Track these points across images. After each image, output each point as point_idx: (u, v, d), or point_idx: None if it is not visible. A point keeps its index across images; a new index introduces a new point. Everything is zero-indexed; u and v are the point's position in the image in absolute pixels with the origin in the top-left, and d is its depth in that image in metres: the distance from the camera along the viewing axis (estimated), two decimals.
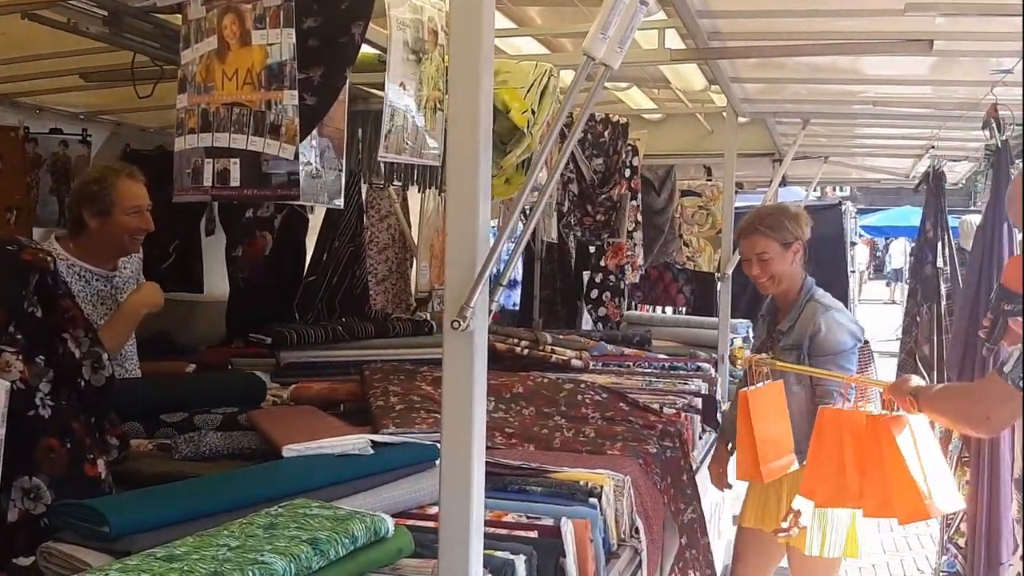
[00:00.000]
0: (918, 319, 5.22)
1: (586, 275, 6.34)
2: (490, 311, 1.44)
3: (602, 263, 5.56)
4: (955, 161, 6.54)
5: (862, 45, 3.17)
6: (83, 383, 2.02)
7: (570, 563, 1.95)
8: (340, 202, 2.08)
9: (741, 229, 3.36)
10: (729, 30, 3.21)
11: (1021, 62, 3.16)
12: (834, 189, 17.01)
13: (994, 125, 3.71)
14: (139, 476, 2.12)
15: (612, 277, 5.55)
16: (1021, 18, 2.77)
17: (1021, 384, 2.02)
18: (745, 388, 3.08)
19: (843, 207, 9.08)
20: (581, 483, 2.26)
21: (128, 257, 3.15)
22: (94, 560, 1.52)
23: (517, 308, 7.31)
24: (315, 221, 4.86)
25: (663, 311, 7.86)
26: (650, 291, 7.23)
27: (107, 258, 3.04)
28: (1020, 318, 2.39)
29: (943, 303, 5.06)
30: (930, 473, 2.53)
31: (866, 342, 6.38)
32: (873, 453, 2.54)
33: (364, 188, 5.08)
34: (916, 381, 2.57)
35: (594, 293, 5.74)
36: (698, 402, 3.71)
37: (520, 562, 1.75)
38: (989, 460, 3.58)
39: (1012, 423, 2.22)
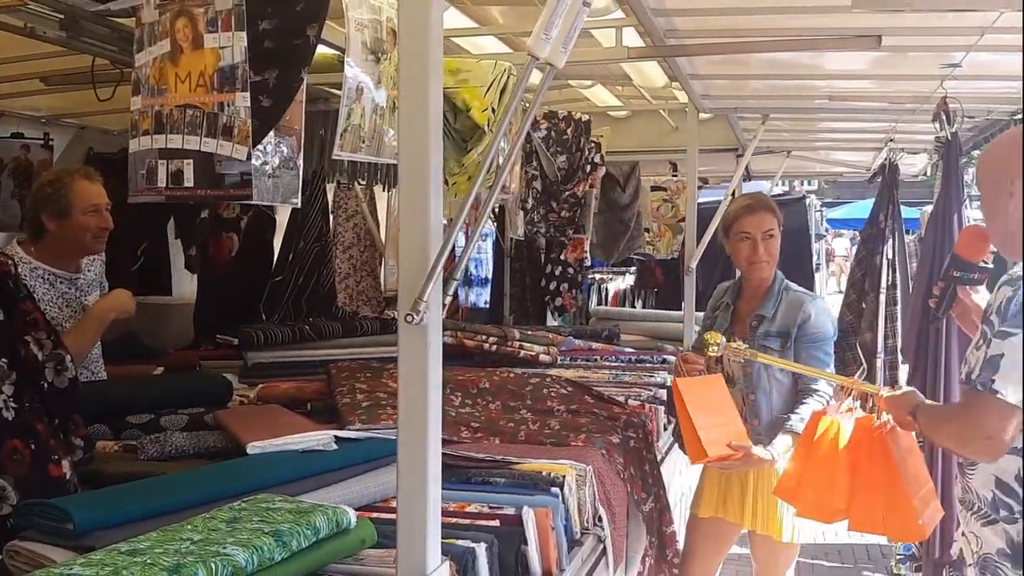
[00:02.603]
0: (863, 306, 5.33)
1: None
2: (444, 305, 1.48)
3: (562, 256, 5.63)
4: (914, 153, 6.68)
5: (812, 41, 3.25)
6: (46, 385, 2.04)
7: (532, 551, 1.99)
8: (297, 201, 2.11)
9: (747, 207, 3.28)
10: (685, 28, 3.27)
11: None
12: (801, 183, 17.25)
13: (944, 118, 3.81)
14: (104, 476, 2.13)
15: (571, 270, 5.62)
16: (968, 13, 2.87)
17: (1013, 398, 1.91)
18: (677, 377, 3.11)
19: (807, 200, 9.19)
20: (543, 473, 2.31)
21: (91, 259, 3.14)
22: (59, 557, 1.54)
23: (487, 306, 7.36)
24: (281, 221, 4.88)
25: (632, 305, 7.97)
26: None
27: (69, 260, 3.03)
28: (968, 288, 2.35)
29: (887, 294, 5.18)
30: (920, 487, 2.42)
31: None
32: (864, 465, 2.40)
33: (332, 188, 5.11)
34: (916, 397, 2.39)
35: (552, 285, 5.82)
36: (663, 393, 3.76)
37: (481, 550, 1.79)
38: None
39: (1014, 442, 1.96)
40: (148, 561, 1.41)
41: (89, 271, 3.13)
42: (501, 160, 2.27)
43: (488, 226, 7.09)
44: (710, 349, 2.92)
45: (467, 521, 1.99)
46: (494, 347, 4.14)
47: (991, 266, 2.36)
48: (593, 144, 4.78)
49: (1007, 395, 1.92)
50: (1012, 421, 1.93)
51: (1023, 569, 2.00)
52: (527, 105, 1.69)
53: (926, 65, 3.87)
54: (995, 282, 2.07)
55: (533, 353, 4.17)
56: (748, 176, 7.98)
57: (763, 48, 3.31)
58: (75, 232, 2.94)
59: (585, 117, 4.65)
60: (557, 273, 5.74)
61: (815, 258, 10.14)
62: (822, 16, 3.08)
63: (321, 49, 2.99)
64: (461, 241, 7.49)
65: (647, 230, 6.87)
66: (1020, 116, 4.55)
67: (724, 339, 2.96)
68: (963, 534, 2.21)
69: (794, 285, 3.26)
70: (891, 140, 6.06)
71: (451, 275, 1.49)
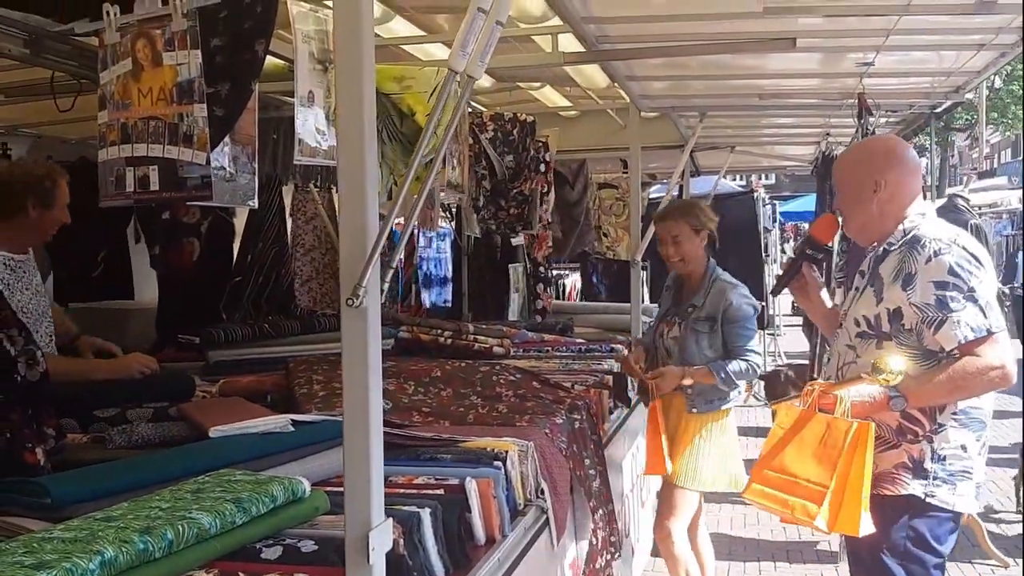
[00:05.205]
0: None
1: (514, 268, 6.61)
2: (382, 291, 1.66)
3: (535, 255, 5.85)
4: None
5: (733, 45, 3.49)
6: (19, 378, 2.18)
7: (475, 517, 2.18)
8: (254, 203, 2.29)
9: (659, 215, 3.88)
10: (616, 33, 3.49)
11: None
12: (759, 177, 17.62)
13: (864, 111, 4.09)
14: (75, 464, 2.26)
15: (541, 268, 5.82)
16: (872, 17, 3.11)
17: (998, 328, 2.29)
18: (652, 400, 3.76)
19: (756, 194, 9.49)
20: (487, 449, 2.49)
21: None
22: (38, 527, 1.69)
23: (448, 305, 7.54)
24: (239, 225, 5.02)
25: (584, 300, 8.19)
26: None
27: (25, 244, 3.23)
28: (814, 266, 2.75)
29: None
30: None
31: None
32: (846, 462, 2.33)
33: (290, 191, 5.25)
34: (877, 390, 2.39)
35: (539, 287, 6.06)
36: (609, 379, 3.98)
37: (426, 515, 1.96)
38: None
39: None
40: (121, 525, 1.57)
41: (31, 254, 3.32)
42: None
43: (445, 226, 7.28)
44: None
45: (414, 491, 2.16)
46: (449, 340, 4.32)
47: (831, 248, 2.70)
48: (540, 143, 4.99)
49: (998, 327, 2.30)
50: (1010, 348, 2.34)
51: (924, 476, 2.40)
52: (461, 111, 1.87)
53: (848, 65, 4.15)
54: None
55: (487, 345, 4.35)
56: (696, 171, 8.25)
57: (688, 52, 3.55)
58: (49, 223, 3.16)
59: (530, 118, 4.86)
60: (530, 272, 6.06)
61: (766, 249, 10.48)
62: (742, 21, 3.31)
63: (272, 60, 3.16)
64: (422, 242, 7.65)
65: (605, 235, 7.09)
66: (939, 110, 4.85)
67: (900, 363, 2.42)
68: None
69: (723, 275, 3.73)
70: (828, 134, 6.35)
71: (388, 262, 1.68)
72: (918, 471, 2.41)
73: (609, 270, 7.86)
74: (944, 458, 2.41)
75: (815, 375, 6.32)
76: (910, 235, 2.45)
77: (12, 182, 3.16)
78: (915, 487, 2.40)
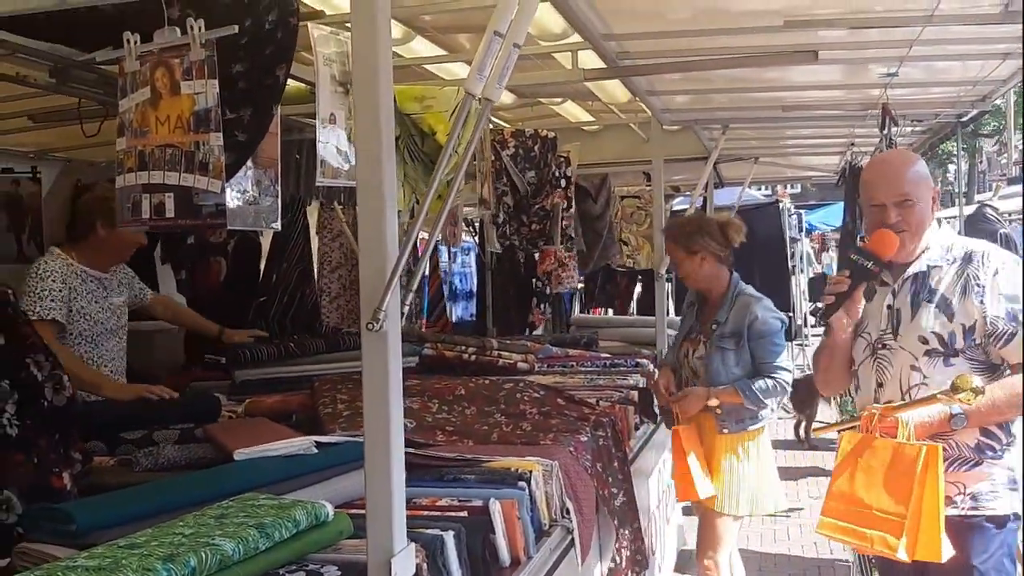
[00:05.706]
0: None
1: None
2: (402, 313, 1.65)
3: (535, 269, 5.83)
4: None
5: (754, 59, 3.47)
6: (46, 403, 2.20)
7: (500, 539, 2.16)
8: (277, 225, 2.30)
9: (663, 237, 3.95)
10: (635, 50, 3.48)
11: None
12: (785, 187, 17.50)
13: (888, 121, 4.05)
14: (103, 488, 2.28)
15: (539, 283, 5.77)
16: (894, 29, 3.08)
17: None
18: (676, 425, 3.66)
19: (780, 205, 9.41)
20: (511, 469, 2.47)
21: (119, 267, 3.59)
22: (64, 555, 1.70)
23: (473, 319, 7.56)
24: (264, 245, 5.06)
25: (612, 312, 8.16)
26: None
27: (104, 262, 3.45)
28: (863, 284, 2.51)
29: None
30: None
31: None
32: (912, 485, 2.29)
33: (315, 210, 5.29)
34: (936, 410, 2.37)
35: (532, 302, 6.02)
36: (634, 394, 3.95)
37: (449, 538, 1.95)
38: None
39: None
40: (145, 553, 1.58)
41: (116, 275, 3.56)
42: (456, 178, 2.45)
43: (469, 240, 7.30)
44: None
45: (437, 513, 2.15)
46: (473, 357, 4.31)
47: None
48: (562, 159, 4.99)
49: None
50: None
51: (1015, 489, 2.41)
52: (483, 132, 1.87)
53: (871, 76, 4.11)
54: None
55: (511, 361, 4.33)
56: (720, 183, 8.21)
57: (709, 67, 3.54)
58: (120, 242, 3.38)
59: (551, 134, 4.86)
60: (537, 289, 6.01)
61: (792, 260, 10.38)
62: (763, 35, 3.29)
63: (294, 82, 3.19)
64: (444, 256, 7.66)
65: (625, 243, 7.07)
66: (965, 119, 4.80)
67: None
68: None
69: (747, 289, 3.68)
70: (852, 144, 6.30)
71: (407, 285, 1.67)
72: (1012, 485, 2.43)
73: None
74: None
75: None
76: (958, 250, 2.46)
77: (83, 203, 3.40)
78: (1015, 502, 2.42)
